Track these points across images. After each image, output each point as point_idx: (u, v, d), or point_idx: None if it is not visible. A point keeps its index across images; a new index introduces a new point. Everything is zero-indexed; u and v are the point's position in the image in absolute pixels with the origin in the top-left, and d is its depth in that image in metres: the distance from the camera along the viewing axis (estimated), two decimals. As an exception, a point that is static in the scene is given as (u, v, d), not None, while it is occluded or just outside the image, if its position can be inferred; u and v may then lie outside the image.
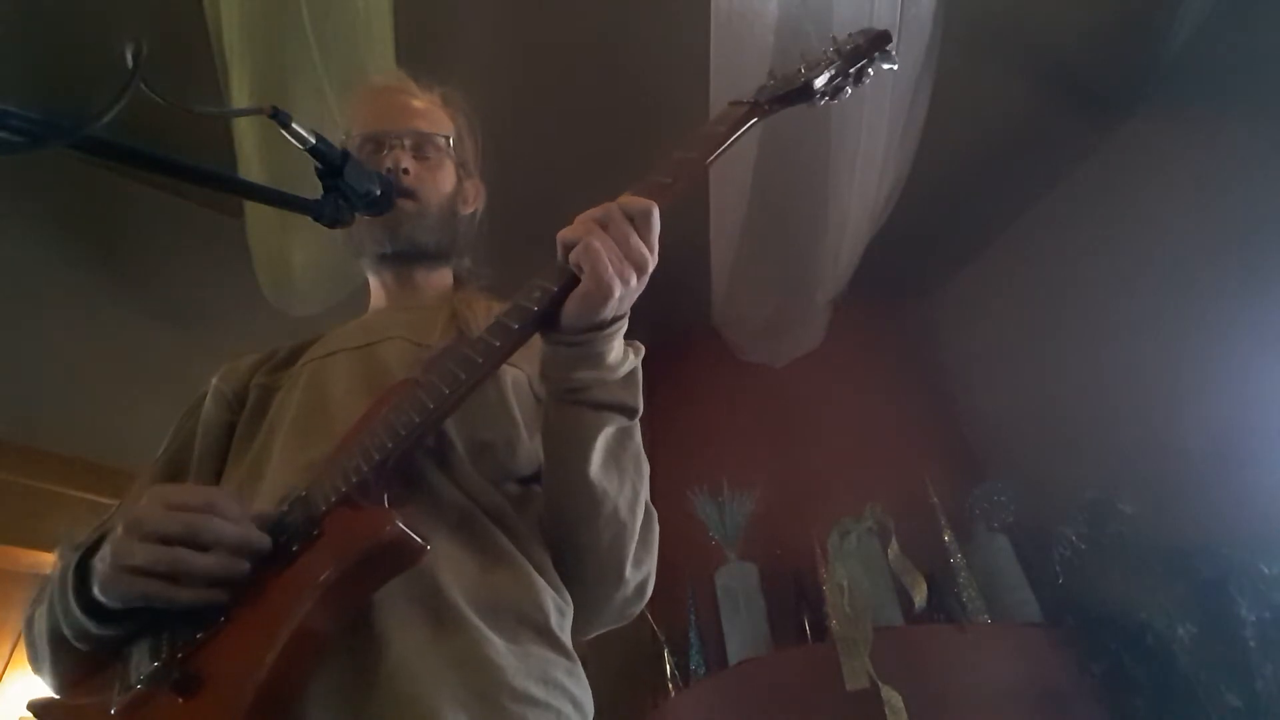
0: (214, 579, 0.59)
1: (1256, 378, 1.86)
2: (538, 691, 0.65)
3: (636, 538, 0.76)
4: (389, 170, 0.91)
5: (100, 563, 0.61)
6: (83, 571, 0.64)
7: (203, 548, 0.59)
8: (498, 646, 0.65)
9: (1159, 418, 2.02)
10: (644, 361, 0.76)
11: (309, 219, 0.73)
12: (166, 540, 0.58)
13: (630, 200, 0.67)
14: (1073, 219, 2.50)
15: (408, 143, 0.96)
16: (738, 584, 2.10)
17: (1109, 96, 2.31)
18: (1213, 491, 1.82)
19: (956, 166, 2.42)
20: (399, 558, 0.60)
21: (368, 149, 0.95)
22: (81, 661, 0.66)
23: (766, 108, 0.78)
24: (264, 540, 0.61)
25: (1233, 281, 1.97)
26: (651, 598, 0.83)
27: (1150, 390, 2.08)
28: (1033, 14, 2.11)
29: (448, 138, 1.01)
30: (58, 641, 0.66)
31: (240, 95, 1.69)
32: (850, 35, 0.82)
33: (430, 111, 1.03)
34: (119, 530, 0.60)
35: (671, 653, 2.15)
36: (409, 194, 0.92)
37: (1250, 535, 1.69)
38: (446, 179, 0.99)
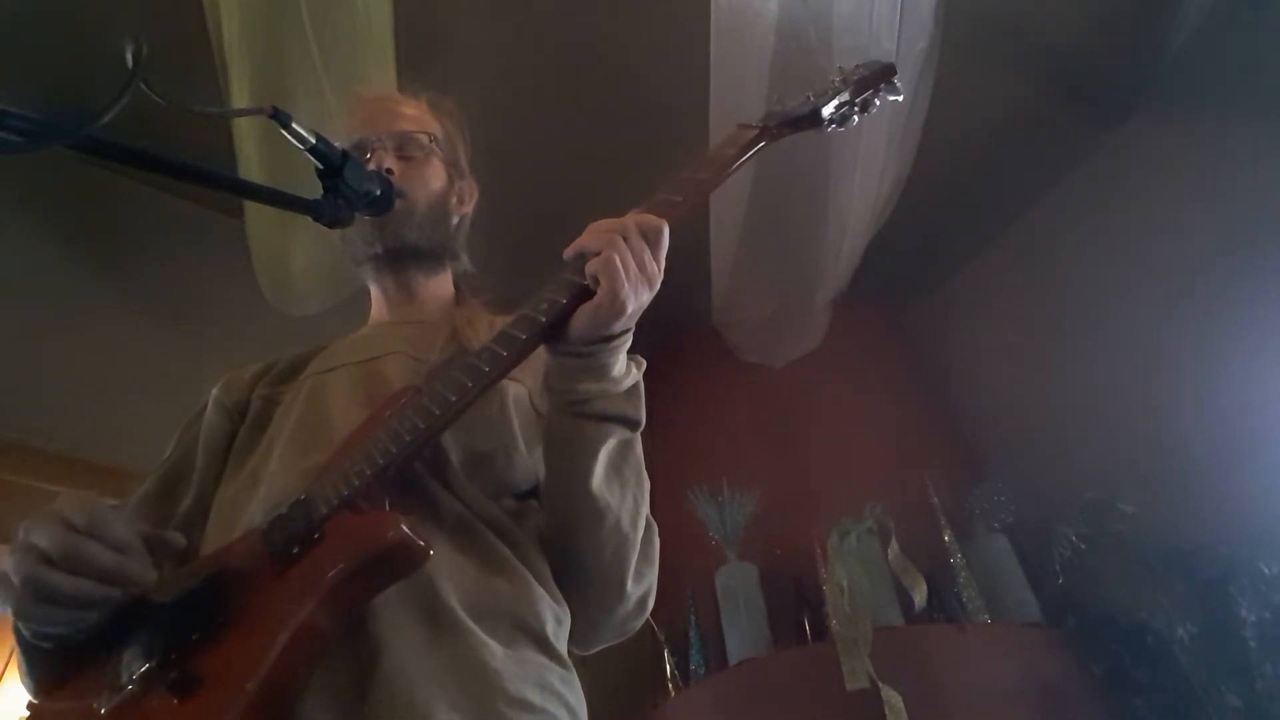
0: (73, 603, 0.58)
1: (1256, 378, 1.86)
2: (534, 697, 0.65)
3: (638, 551, 0.76)
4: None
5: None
6: None
7: (76, 570, 0.58)
8: (494, 652, 0.65)
9: (1159, 418, 2.02)
10: (645, 363, 0.77)
11: (309, 219, 0.73)
12: (43, 557, 0.58)
13: (644, 218, 0.68)
14: (1073, 219, 2.50)
15: (390, 144, 0.96)
16: (738, 584, 2.10)
17: (1109, 97, 2.31)
18: (1213, 491, 1.82)
19: (956, 167, 2.42)
20: (402, 562, 0.60)
21: (356, 155, 0.95)
22: (55, 662, 0.65)
23: (775, 132, 0.80)
24: (142, 573, 0.61)
25: (1233, 281, 1.97)
26: (650, 596, 0.83)
27: (1150, 390, 2.08)
28: (1033, 14, 2.11)
29: (431, 135, 1.00)
30: (21, 639, 0.66)
31: (240, 95, 1.69)
32: (857, 66, 0.84)
33: (414, 114, 1.02)
34: (20, 532, 0.60)
35: (671, 653, 2.15)
36: (398, 194, 0.91)
37: (1250, 535, 1.69)
38: (434, 176, 0.99)
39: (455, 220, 1.02)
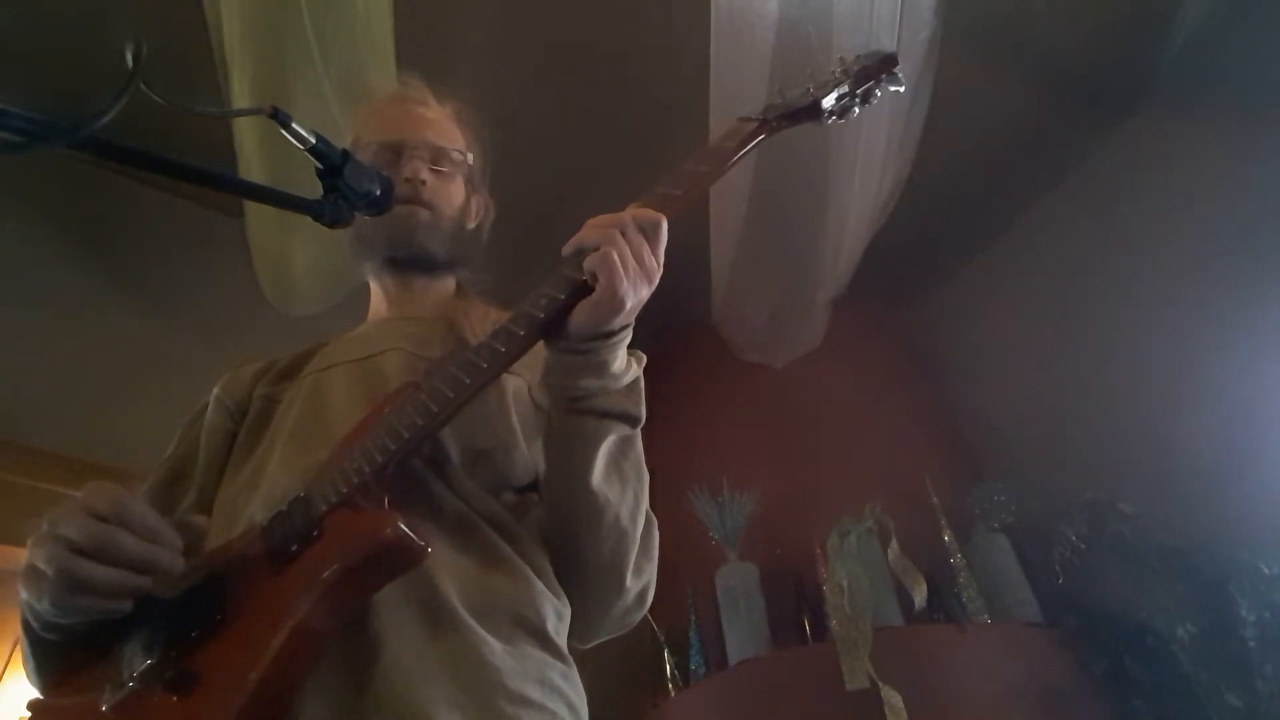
0: (108, 592, 0.58)
1: (1257, 378, 1.86)
2: (534, 693, 0.65)
3: (638, 546, 0.77)
4: (407, 180, 0.93)
5: (27, 554, 0.61)
6: None
7: (106, 559, 0.58)
8: (494, 648, 0.65)
9: (1159, 418, 2.02)
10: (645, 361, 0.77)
11: (309, 219, 0.73)
12: (72, 547, 0.58)
13: (642, 212, 0.68)
14: (1073, 219, 2.50)
15: (426, 155, 0.98)
16: (738, 584, 2.10)
17: (1109, 96, 2.31)
18: (1213, 491, 1.82)
19: (956, 167, 2.42)
20: (400, 559, 0.60)
21: (385, 156, 0.96)
22: (61, 656, 0.65)
23: (775, 125, 0.79)
24: (172, 560, 0.61)
25: (1233, 281, 1.97)
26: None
27: (1150, 390, 2.08)
28: (1033, 14, 2.11)
29: (464, 154, 1.02)
30: (29, 632, 0.66)
31: (240, 95, 1.69)
32: (858, 56, 0.83)
33: (447, 125, 1.04)
34: (44, 526, 0.60)
35: (671, 653, 2.15)
36: (426, 205, 0.94)
37: (1250, 535, 1.69)
38: (458, 192, 1.01)
39: (467, 234, 1.03)
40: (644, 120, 2.24)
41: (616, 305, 0.64)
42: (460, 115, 1.07)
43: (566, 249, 0.67)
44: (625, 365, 0.72)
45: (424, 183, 0.94)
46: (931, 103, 1.94)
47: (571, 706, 0.69)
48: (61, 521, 0.59)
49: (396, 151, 0.96)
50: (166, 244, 2.28)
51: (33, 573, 0.59)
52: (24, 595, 0.60)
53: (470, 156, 1.03)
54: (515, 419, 0.81)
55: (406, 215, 0.93)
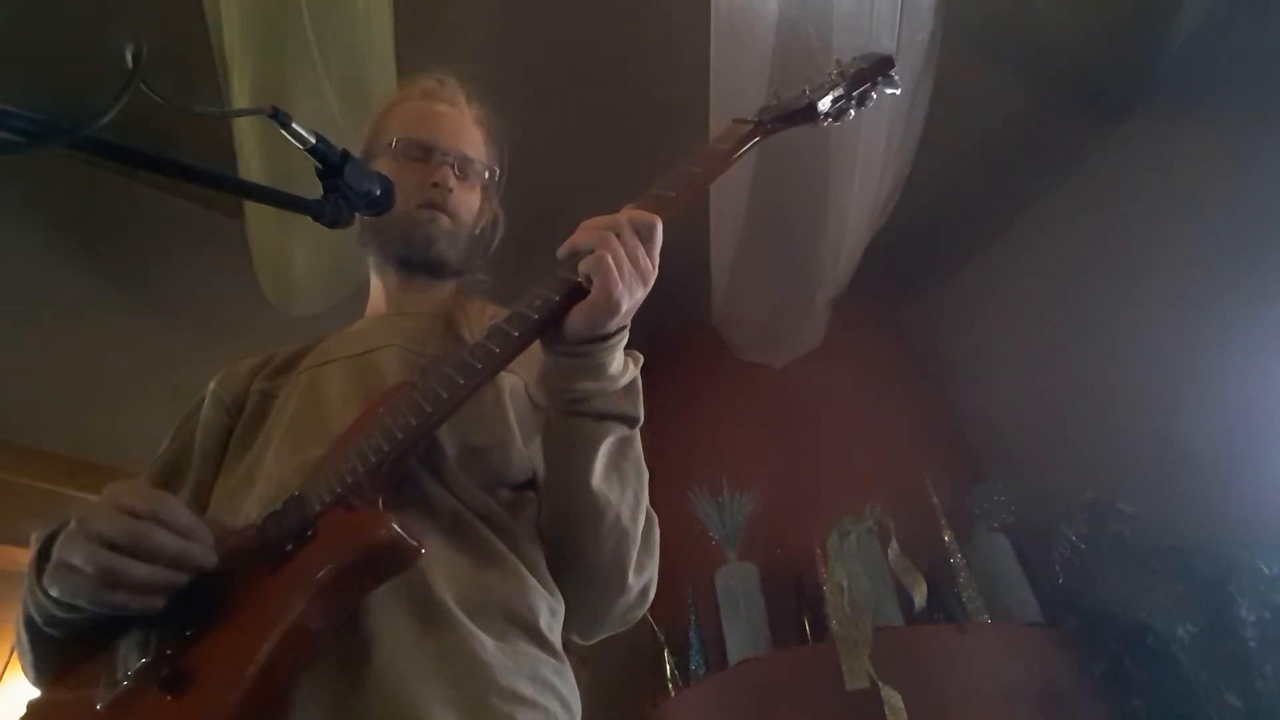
0: (146, 589, 0.58)
1: (1257, 378, 1.86)
2: (526, 690, 0.65)
3: (638, 544, 0.77)
4: (435, 185, 0.94)
5: (56, 550, 0.61)
6: (48, 554, 0.63)
7: (143, 556, 0.58)
8: (486, 645, 0.65)
9: (1159, 418, 2.02)
10: (644, 361, 0.77)
11: (309, 219, 0.73)
12: (108, 544, 0.58)
13: (637, 214, 0.67)
14: (1073, 219, 2.50)
15: (456, 163, 0.98)
16: (738, 584, 2.11)
17: (1109, 96, 2.31)
18: (1213, 491, 1.82)
19: (956, 167, 2.42)
20: (393, 561, 0.60)
21: (413, 153, 0.97)
22: (61, 652, 0.65)
23: (770, 127, 0.79)
24: (206, 556, 0.60)
25: (1232, 281, 1.97)
26: (652, 598, 0.83)
27: (1150, 390, 2.08)
28: (1033, 14, 2.11)
29: (489, 168, 1.03)
30: (31, 628, 0.66)
31: (240, 95, 1.69)
32: (854, 59, 0.83)
33: (475, 133, 1.04)
34: (73, 523, 0.60)
35: (671, 653, 2.15)
36: (449, 213, 0.95)
37: (1250, 535, 1.69)
38: (476, 201, 1.02)
39: (476, 241, 1.03)
40: (644, 120, 2.24)
41: (612, 308, 0.64)
42: (486, 122, 1.07)
43: (562, 251, 0.67)
44: (623, 366, 0.72)
45: (451, 190, 0.95)
46: (931, 103, 1.94)
47: (564, 702, 0.69)
48: (94, 519, 0.59)
49: (426, 151, 0.97)
50: (166, 244, 2.28)
51: (66, 569, 0.59)
52: (53, 591, 0.60)
53: (496, 171, 1.04)
54: (512, 416, 0.81)
55: (429, 220, 0.94)
